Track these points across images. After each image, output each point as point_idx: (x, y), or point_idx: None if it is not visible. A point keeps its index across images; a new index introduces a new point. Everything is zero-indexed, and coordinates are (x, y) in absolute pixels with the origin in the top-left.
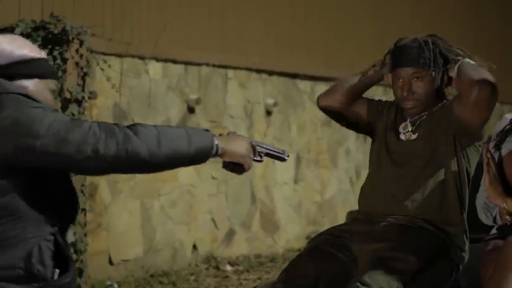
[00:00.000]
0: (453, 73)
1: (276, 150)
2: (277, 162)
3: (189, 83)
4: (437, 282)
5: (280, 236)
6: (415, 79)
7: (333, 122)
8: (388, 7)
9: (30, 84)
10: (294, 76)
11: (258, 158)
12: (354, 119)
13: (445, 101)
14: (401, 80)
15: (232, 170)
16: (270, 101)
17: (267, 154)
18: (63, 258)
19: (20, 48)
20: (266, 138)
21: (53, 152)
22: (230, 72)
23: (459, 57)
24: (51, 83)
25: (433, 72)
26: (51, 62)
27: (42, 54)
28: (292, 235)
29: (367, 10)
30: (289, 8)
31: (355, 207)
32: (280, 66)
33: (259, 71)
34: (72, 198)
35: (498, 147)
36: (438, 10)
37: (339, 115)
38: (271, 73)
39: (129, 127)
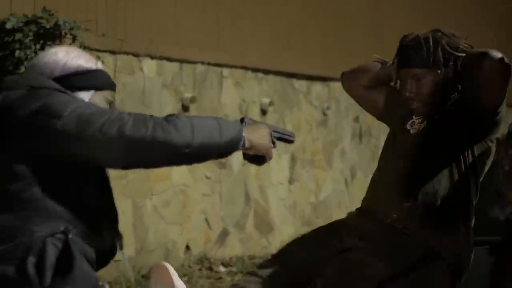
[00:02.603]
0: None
1: (286, 133)
2: (271, 162)
3: (184, 81)
4: None
5: (275, 237)
6: (417, 79)
7: (329, 123)
8: (385, 6)
9: (86, 96)
10: (290, 75)
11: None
12: (372, 107)
13: (456, 94)
14: (403, 81)
15: (253, 161)
16: (266, 100)
17: (279, 139)
18: (70, 260)
19: (75, 59)
20: None
21: (73, 132)
22: (226, 71)
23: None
24: (108, 94)
25: (436, 71)
26: None
27: (98, 65)
28: (286, 236)
29: (363, 9)
30: (286, 6)
31: (350, 207)
32: (277, 65)
33: (255, 70)
34: (105, 201)
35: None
36: (435, 7)
37: (360, 99)
38: (267, 72)
39: (163, 117)
